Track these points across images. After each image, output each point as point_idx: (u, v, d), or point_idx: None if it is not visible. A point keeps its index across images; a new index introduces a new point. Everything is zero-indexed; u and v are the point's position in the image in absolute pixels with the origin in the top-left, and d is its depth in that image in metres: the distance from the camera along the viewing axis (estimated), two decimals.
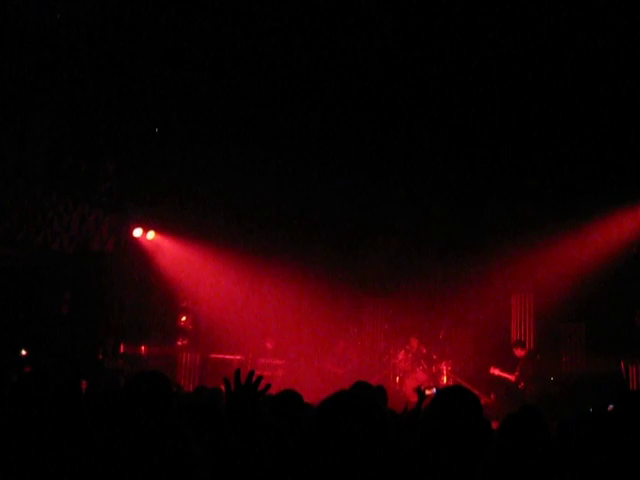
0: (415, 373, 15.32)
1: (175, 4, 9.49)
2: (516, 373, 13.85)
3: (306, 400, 5.26)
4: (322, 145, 12.88)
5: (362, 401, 2.40)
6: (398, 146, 13.00)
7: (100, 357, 13.89)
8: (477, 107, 11.38)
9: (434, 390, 12.67)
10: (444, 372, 15.42)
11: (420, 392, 5.44)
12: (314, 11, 9.33)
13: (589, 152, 12.22)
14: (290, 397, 5.10)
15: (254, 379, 2.91)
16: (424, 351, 15.65)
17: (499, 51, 10.15)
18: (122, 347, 14.63)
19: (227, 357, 15.95)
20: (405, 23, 9.69)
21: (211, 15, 9.58)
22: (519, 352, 14.18)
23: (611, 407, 7.46)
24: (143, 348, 14.95)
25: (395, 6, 9.35)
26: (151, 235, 15.38)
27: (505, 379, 14.02)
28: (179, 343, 16.30)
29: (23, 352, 13.12)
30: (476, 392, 14.80)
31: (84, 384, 8.39)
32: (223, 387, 2.94)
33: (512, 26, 9.54)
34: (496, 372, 14.17)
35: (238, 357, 15.85)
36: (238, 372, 2.93)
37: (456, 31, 9.76)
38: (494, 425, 5.91)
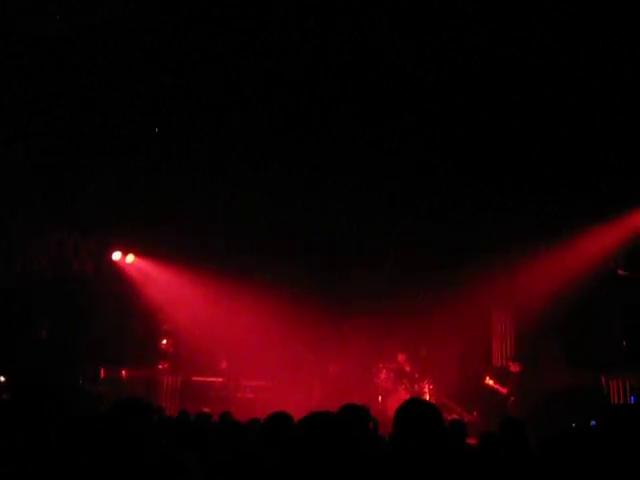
0: (397, 392, 15.30)
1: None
2: (509, 387, 13.96)
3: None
4: (305, 164, 12.87)
5: (334, 424, 2.41)
6: (378, 165, 13.02)
7: (80, 382, 13.76)
8: (457, 122, 11.44)
9: None
10: (426, 390, 15.42)
11: None
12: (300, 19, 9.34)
13: (565, 170, 12.32)
14: (280, 420, 4.97)
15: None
16: (408, 369, 15.66)
17: (485, 66, 10.22)
18: (102, 371, 14.51)
19: (209, 379, 15.87)
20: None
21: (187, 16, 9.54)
22: (514, 367, 14.29)
23: (593, 423, 7.51)
24: (124, 372, 14.85)
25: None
26: (130, 258, 15.34)
27: (497, 391, 14.13)
28: (160, 366, 16.21)
29: (1, 379, 12.97)
30: (459, 409, 14.86)
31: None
32: (206, 410, 2.93)
33: (502, 40, 9.62)
34: (490, 383, 14.28)
35: (220, 379, 15.78)
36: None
37: (446, 47, 9.82)
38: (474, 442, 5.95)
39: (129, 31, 9.53)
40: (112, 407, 3.72)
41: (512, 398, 13.81)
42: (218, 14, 9.31)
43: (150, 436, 3.53)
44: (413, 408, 3.48)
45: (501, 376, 14.59)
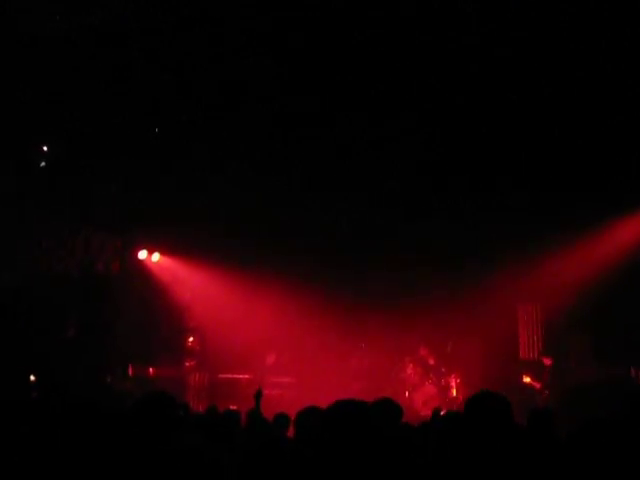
0: (424, 387, 15.25)
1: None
2: (542, 381, 13.97)
3: None
4: (324, 162, 12.88)
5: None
6: (398, 162, 13.00)
7: (108, 380, 13.85)
8: (480, 118, 11.39)
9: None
10: (453, 385, 15.35)
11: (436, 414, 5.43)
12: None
13: (593, 163, 12.22)
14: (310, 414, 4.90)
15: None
16: (432, 362, 15.59)
17: (483, 64, 10.16)
18: (130, 369, 14.60)
19: (235, 376, 15.90)
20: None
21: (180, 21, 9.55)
22: (547, 361, 14.24)
23: None
24: (151, 370, 14.92)
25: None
26: (156, 257, 15.40)
27: (532, 386, 14.09)
28: (187, 364, 16.26)
29: (32, 378, 13.08)
30: None
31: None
32: (235, 407, 2.93)
33: (500, 41, 9.56)
34: (528, 380, 14.29)
35: (247, 376, 15.80)
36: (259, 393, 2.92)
37: (445, 46, 9.78)
38: None
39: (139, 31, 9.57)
40: (137, 402, 3.73)
41: (546, 392, 13.77)
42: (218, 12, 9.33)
43: (176, 428, 3.54)
44: (486, 400, 3.42)
45: (535, 371, 14.54)
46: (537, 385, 14.06)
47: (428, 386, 15.22)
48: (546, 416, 5.61)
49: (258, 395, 7.38)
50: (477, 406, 3.38)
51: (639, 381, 13.31)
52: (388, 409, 4.12)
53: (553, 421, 5.56)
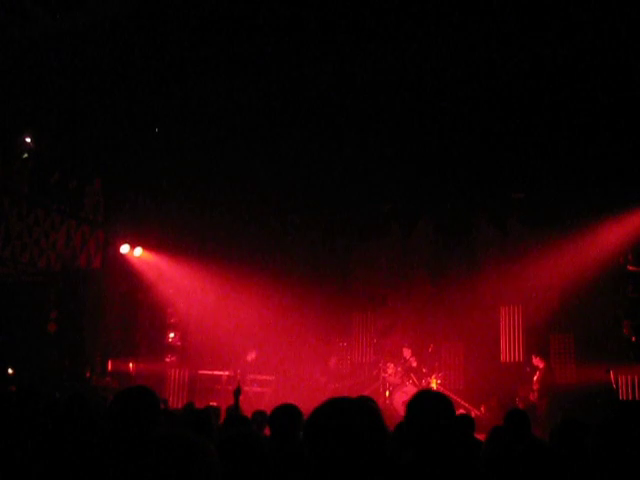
0: (405, 387, 15.28)
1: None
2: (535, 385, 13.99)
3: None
4: (310, 154, 12.80)
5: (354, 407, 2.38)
6: (384, 158, 12.97)
7: (88, 375, 13.79)
8: (463, 119, 11.39)
9: None
10: (434, 386, 15.39)
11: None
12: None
13: (574, 165, 12.25)
14: (285, 412, 4.99)
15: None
16: (414, 364, 15.63)
17: (482, 65, 10.17)
18: (110, 364, 14.54)
19: (216, 373, 15.87)
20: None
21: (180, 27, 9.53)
22: (540, 363, 14.23)
23: None
24: (131, 365, 14.86)
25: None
26: (138, 251, 15.33)
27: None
28: (167, 360, 16.22)
29: (10, 371, 13.00)
30: (466, 405, 14.81)
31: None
32: (215, 404, 2.92)
33: (500, 39, 9.56)
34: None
35: (227, 373, 15.78)
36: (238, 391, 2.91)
37: (440, 44, 9.77)
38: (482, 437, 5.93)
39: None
40: (117, 396, 3.72)
41: (536, 395, 13.81)
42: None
43: (157, 422, 3.54)
44: (425, 399, 3.47)
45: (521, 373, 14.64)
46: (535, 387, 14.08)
47: (408, 386, 15.24)
48: (522, 416, 5.70)
49: (237, 392, 7.42)
50: (414, 407, 3.47)
51: (618, 386, 13.36)
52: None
53: (529, 421, 5.64)
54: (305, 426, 2.39)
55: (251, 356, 16.05)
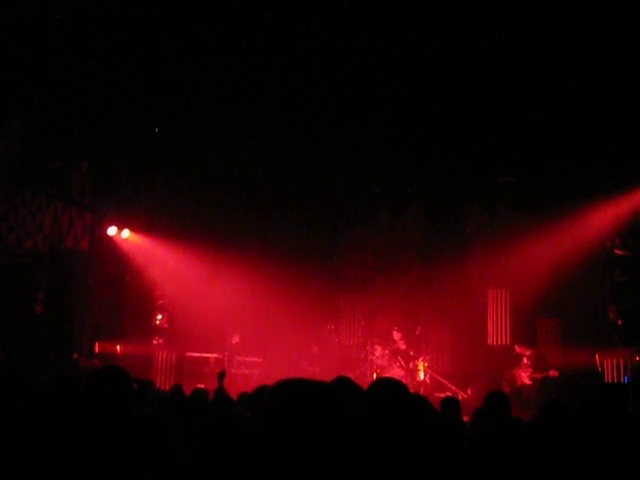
0: (392, 369, 15.33)
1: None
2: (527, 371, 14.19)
3: None
4: (300, 137, 12.75)
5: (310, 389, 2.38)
6: (373, 142, 12.95)
7: (75, 356, 13.75)
8: (452, 102, 11.37)
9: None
10: (421, 368, 15.46)
11: None
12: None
13: (562, 149, 12.26)
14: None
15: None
16: (403, 347, 15.67)
17: (471, 50, 10.14)
18: (97, 346, 14.50)
19: (203, 355, 15.89)
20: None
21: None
22: (522, 350, 14.48)
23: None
24: (118, 347, 14.82)
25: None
26: (126, 233, 15.26)
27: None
28: (155, 342, 16.20)
29: None
30: (453, 388, 14.90)
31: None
32: (203, 386, 2.93)
33: (487, 23, 9.52)
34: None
35: (214, 355, 15.79)
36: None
37: (431, 30, 9.73)
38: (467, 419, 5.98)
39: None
40: (89, 377, 3.74)
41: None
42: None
43: (130, 402, 3.57)
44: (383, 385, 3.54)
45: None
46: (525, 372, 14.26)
47: (396, 369, 15.31)
48: (501, 398, 5.79)
49: (221, 375, 7.47)
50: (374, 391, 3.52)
51: (603, 369, 13.45)
52: (346, 388, 4.13)
53: (508, 403, 5.74)
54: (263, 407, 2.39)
55: (235, 339, 16.07)
